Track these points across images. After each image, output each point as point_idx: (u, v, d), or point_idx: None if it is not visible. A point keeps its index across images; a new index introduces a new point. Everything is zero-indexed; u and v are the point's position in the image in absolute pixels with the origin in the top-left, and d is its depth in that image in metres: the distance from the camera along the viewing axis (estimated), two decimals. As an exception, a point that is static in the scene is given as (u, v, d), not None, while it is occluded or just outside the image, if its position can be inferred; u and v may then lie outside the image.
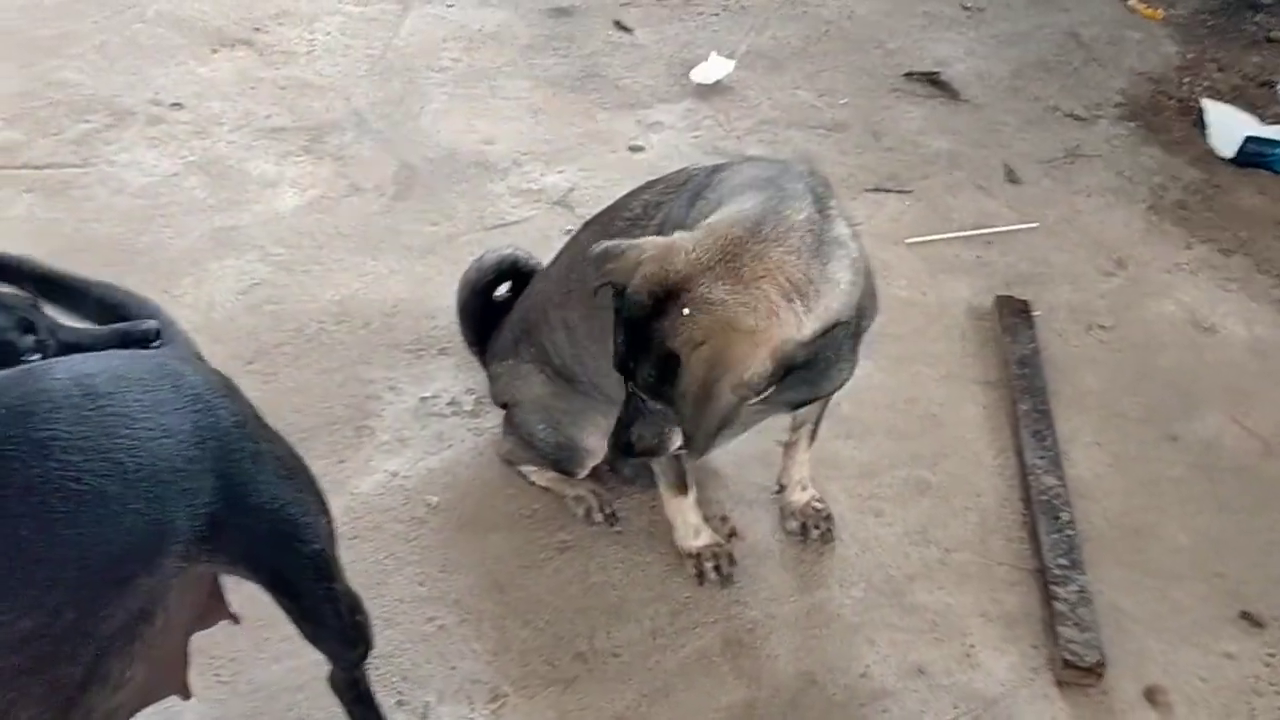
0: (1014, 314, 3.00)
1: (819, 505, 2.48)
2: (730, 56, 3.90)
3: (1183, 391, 2.92)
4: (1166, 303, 3.19)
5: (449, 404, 2.70)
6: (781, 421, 2.44)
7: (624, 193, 2.42)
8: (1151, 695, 2.28)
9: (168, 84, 3.58)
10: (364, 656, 1.86)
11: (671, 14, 4.17)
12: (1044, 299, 3.11)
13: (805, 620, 2.35)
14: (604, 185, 3.32)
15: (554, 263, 2.45)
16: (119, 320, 1.75)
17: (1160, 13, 4.44)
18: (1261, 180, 3.64)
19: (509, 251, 2.60)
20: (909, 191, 3.47)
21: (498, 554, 2.42)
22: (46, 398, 1.35)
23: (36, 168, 3.23)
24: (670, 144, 3.56)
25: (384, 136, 3.48)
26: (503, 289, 2.61)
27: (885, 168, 3.56)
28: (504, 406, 2.52)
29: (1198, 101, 3.94)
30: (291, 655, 2.11)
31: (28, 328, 1.58)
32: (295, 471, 1.63)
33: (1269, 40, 4.32)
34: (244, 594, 1.71)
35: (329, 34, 3.88)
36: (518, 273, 2.58)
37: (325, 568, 1.65)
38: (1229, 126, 3.78)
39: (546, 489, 2.52)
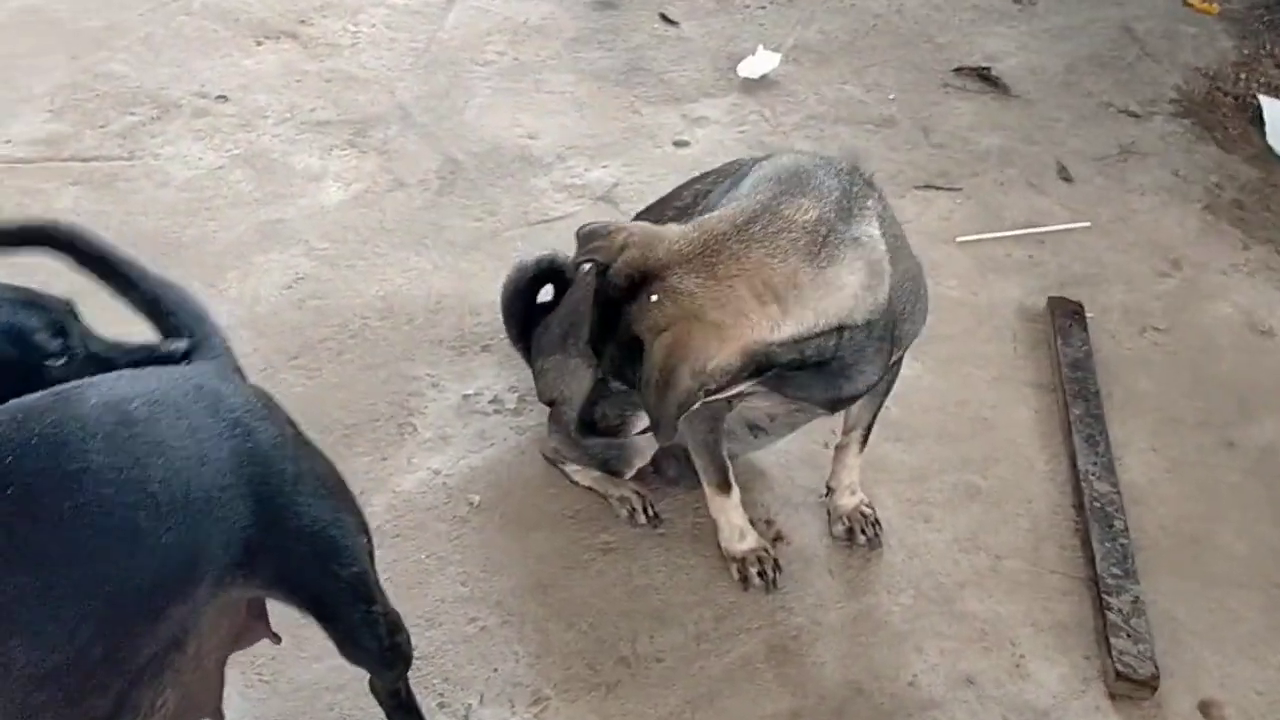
0: (1066, 315, 2.94)
1: (867, 510, 2.44)
2: (777, 50, 3.85)
3: (1240, 396, 2.86)
4: (1223, 305, 3.12)
5: (491, 401, 2.68)
6: (830, 423, 2.40)
7: (668, 188, 2.41)
8: (1207, 709, 2.22)
9: (213, 76, 3.58)
10: (403, 674, 1.85)
11: (718, 7, 4.12)
12: (1097, 300, 3.05)
13: (852, 627, 2.31)
14: (648, 180, 3.29)
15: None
16: (162, 316, 1.72)
17: (1216, 6, 4.35)
18: (1321, 179, 3.56)
19: (549, 253, 2.58)
20: (959, 189, 3.41)
21: (540, 554, 2.40)
22: (79, 425, 1.31)
23: (83, 160, 3.24)
24: (715, 139, 3.52)
25: (428, 130, 3.46)
26: (546, 292, 2.58)
27: (935, 165, 3.50)
28: (550, 404, 2.49)
29: (1255, 98, 3.85)
30: (332, 654, 2.04)
31: (58, 331, 1.55)
32: (334, 490, 1.60)
33: (1329, 35, 4.23)
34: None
35: (373, 26, 3.87)
36: (558, 274, 2.56)
37: (364, 590, 1.63)
38: (1288, 123, 3.69)
39: (590, 489, 2.50)
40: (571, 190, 3.30)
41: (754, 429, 2.31)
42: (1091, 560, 2.40)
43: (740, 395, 1.96)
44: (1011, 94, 3.83)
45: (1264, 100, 3.82)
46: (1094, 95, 3.86)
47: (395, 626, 1.73)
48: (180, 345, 1.61)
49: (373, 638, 1.68)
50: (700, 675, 2.21)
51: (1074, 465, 2.59)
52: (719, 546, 2.38)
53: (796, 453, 2.57)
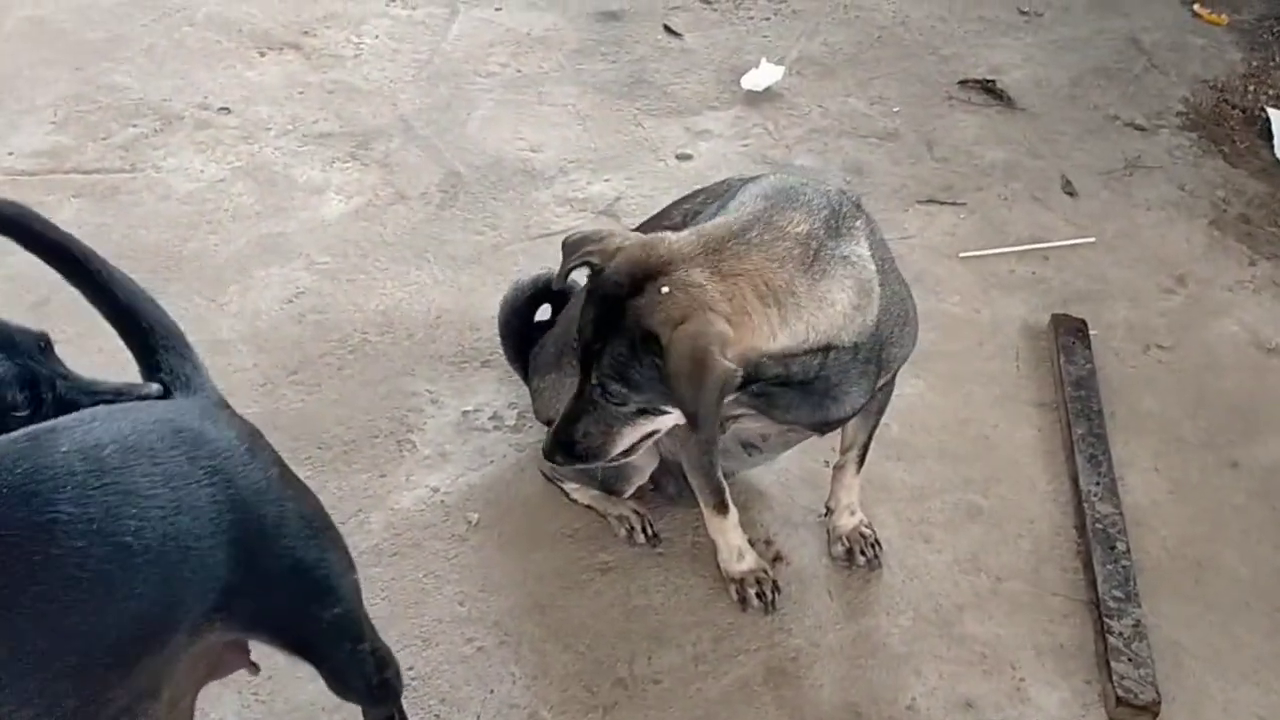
0: (1070, 332, 2.92)
1: (867, 530, 2.43)
2: (780, 63, 3.84)
3: (1245, 415, 2.83)
4: (1228, 322, 3.09)
5: (491, 418, 2.67)
6: (830, 441, 2.39)
7: (670, 201, 2.40)
8: (1209, 735, 2.21)
9: (215, 88, 3.58)
10: (395, 708, 1.83)
11: (721, 18, 4.11)
12: (1101, 317, 3.03)
13: (850, 649, 2.29)
14: (650, 194, 3.28)
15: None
16: (138, 333, 1.66)
17: (1224, 18, 4.32)
18: (1329, 194, 3.54)
19: (545, 272, 2.57)
20: (963, 204, 3.39)
21: (539, 574, 2.39)
22: (50, 475, 1.28)
23: (85, 172, 3.24)
24: (718, 152, 3.51)
25: (430, 143, 3.46)
26: (543, 311, 2.57)
27: (938, 179, 3.48)
28: (547, 423, 2.48)
29: (1263, 110, 3.83)
30: (329, 676, 2.09)
31: (25, 382, 1.51)
32: (319, 530, 1.56)
33: (1338, 47, 4.20)
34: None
35: (376, 38, 3.87)
36: (556, 292, 2.55)
37: (351, 629, 1.61)
38: (1296, 137, 3.67)
39: (589, 507, 2.49)
40: (573, 204, 3.29)
41: (748, 447, 2.30)
42: (1093, 583, 2.38)
43: (730, 418, 1.94)
44: (1016, 107, 3.81)
45: (1272, 113, 3.79)
46: (1100, 108, 3.84)
47: (383, 662, 1.71)
48: (155, 389, 1.56)
49: (360, 676, 1.66)
50: (698, 697, 2.20)
51: (1076, 486, 2.58)
52: (718, 566, 2.37)
53: (796, 471, 2.56)
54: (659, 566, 2.41)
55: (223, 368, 2.62)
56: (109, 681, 1.31)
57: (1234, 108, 3.89)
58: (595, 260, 1.85)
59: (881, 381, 2.06)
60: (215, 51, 3.74)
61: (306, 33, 3.86)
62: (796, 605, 2.35)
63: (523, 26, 3.98)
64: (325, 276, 3.00)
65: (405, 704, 1.94)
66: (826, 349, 1.84)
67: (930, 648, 2.30)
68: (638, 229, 2.40)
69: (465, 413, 2.68)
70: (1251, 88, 3.98)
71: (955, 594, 2.40)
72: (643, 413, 1.89)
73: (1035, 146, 3.65)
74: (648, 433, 1.95)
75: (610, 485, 2.41)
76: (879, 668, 2.27)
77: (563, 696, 2.19)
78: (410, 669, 2.15)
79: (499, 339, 2.62)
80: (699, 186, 2.36)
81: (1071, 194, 3.48)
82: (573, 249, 1.91)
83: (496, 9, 4.05)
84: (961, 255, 3.21)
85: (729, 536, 2.33)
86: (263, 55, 3.75)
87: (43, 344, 1.59)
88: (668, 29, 4.02)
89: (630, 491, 2.42)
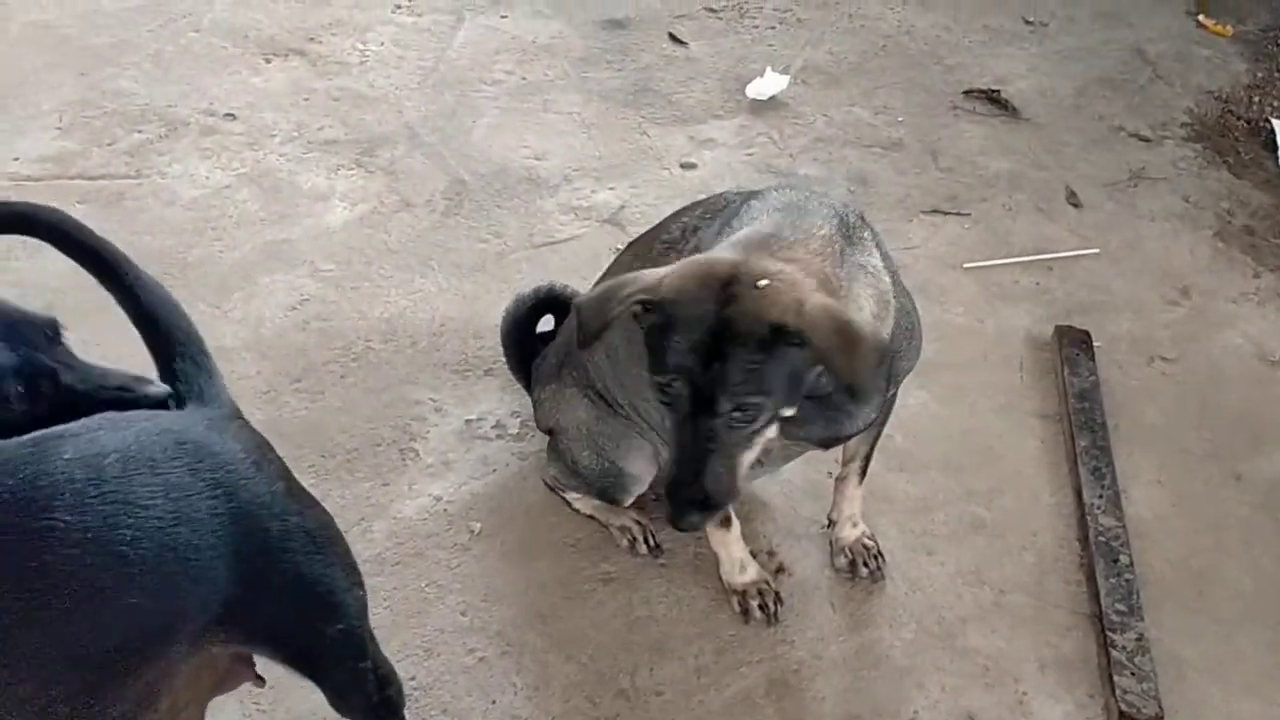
0: (1074, 344, 2.92)
1: (869, 542, 2.43)
2: (785, 72, 3.84)
3: (1249, 428, 2.83)
4: (1232, 334, 3.09)
5: (494, 427, 2.67)
6: (834, 453, 2.38)
7: (672, 211, 2.40)
8: (1212, 749, 2.21)
9: (221, 94, 3.59)
10: None
11: (727, 27, 4.11)
12: (1105, 329, 3.02)
13: (853, 661, 2.29)
14: (655, 203, 3.28)
15: (598, 283, 2.41)
16: (158, 340, 1.64)
17: (1229, 29, 4.32)
18: (1334, 206, 3.53)
19: (547, 284, 2.57)
20: (967, 214, 3.39)
21: (541, 584, 2.39)
22: (49, 482, 1.28)
23: (90, 178, 3.25)
24: (723, 162, 3.51)
25: (435, 150, 3.46)
26: (545, 322, 2.57)
27: (943, 189, 3.48)
28: (549, 433, 2.48)
29: (1268, 122, 3.83)
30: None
31: (27, 374, 1.47)
32: (325, 544, 1.55)
33: (1343, 58, 4.20)
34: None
35: (382, 45, 3.87)
36: (557, 304, 2.55)
37: (353, 646, 1.60)
38: (1301, 149, 3.67)
39: (591, 517, 2.49)
40: (578, 212, 3.29)
41: (750, 461, 2.29)
42: (1096, 596, 2.38)
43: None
44: (1021, 117, 3.81)
45: (1277, 124, 3.79)
46: (1105, 119, 3.84)
47: (385, 680, 1.71)
48: (161, 390, 1.54)
49: (361, 694, 1.66)
50: (700, 709, 2.19)
51: (1080, 498, 2.57)
52: (720, 578, 2.37)
53: (799, 483, 2.56)
54: (661, 577, 2.41)
55: (226, 374, 2.52)
56: (103, 690, 1.32)
57: (1239, 119, 3.88)
58: (644, 296, 1.74)
59: (889, 394, 2.06)
60: (221, 58, 3.74)
61: (312, 39, 3.86)
62: (799, 617, 2.35)
63: (528, 34, 3.98)
64: (329, 284, 3.00)
65: (407, 715, 1.93)
66: None
67: (933, 660, 2.30)
68: (635, 241, 2.42)
69: (468, 421, 2.68)
70: (1256, 99, 3.98)
71: (958, 606, 2.40)
72: (768, 423, 1.77)
73: (1040, 157, 3.65)
74: (761, 447, 1.84)
75: (610, 494, 2.40)
76: (881, 680, 2.26)
77: (565, 707, 2.18)
78: (412, 679, 2.16)
79: (502, 349, 2.62)
80: (703, 196, 2.37)
81: (1076, 205, 3.47)
82: (605, 301, 1.80)
83: (502, 16, 4.06)
84: (966, 266, 3.21)
85: (731, 549, 2.33)
86: (268, 62, 3.75)
87: (50, 331, 1.54)
88: (673, 37, 4.02)
89: (629, 501, 2.41)
